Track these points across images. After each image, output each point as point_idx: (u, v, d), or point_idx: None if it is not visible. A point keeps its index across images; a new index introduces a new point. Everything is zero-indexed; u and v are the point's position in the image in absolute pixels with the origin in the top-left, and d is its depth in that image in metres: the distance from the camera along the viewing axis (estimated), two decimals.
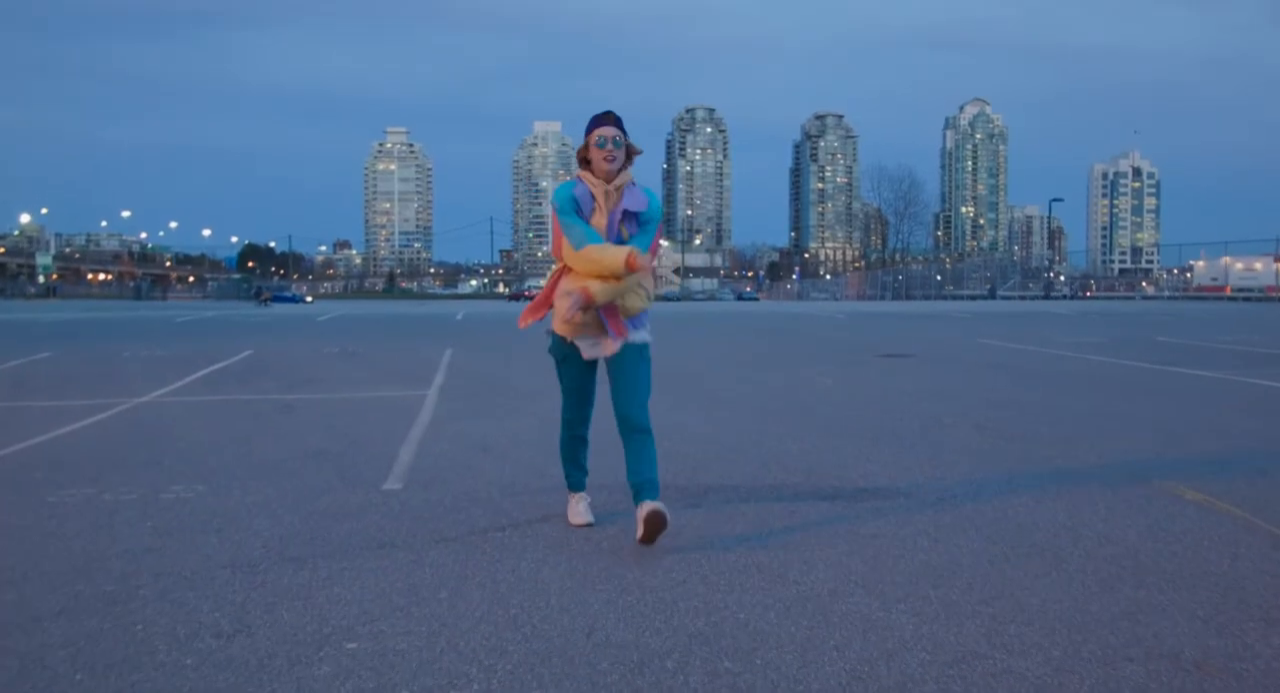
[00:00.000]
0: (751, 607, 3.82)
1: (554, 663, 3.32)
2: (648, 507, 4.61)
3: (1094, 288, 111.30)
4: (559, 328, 4.85)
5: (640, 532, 4.62)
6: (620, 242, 4.81)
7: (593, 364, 4.92)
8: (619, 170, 4.76)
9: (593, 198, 4.77)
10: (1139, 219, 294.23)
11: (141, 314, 39.53)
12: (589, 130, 4.78)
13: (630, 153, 4.80)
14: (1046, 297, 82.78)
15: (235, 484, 6.15)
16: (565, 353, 4.91)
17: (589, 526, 5.01)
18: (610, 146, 4.72)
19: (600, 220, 4.77)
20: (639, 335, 4.84)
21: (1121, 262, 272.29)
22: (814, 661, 3.31)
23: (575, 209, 4.77)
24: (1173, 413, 9.07)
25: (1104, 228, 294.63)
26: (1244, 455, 6.88)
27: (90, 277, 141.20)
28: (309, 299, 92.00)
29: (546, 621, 3.70)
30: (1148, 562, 4.36)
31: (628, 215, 4.81)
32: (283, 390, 11.28)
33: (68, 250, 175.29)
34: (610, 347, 4.78)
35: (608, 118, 4.77)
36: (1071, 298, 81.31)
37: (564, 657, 3.37)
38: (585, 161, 4.81)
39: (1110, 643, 3.43)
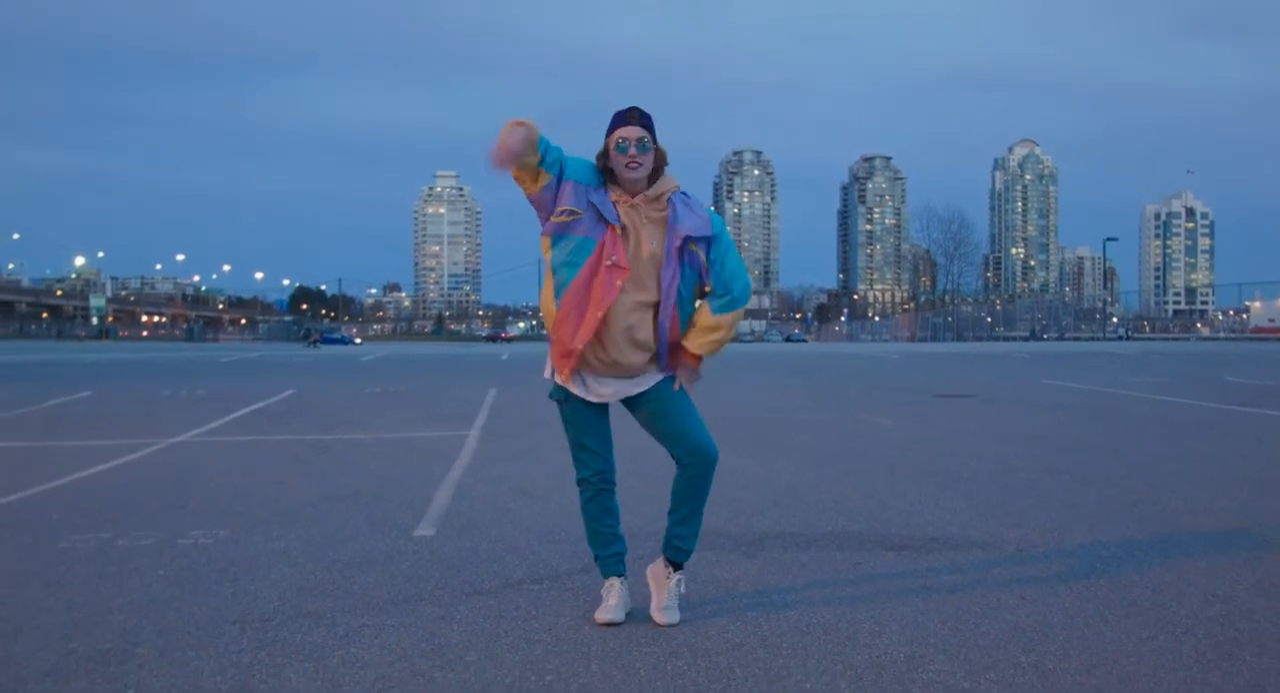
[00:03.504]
0: (819, 675, 3.36)
1: None
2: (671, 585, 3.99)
3: (1147, 328, 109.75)
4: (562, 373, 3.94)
5: (656, 599, 3.98)
6: (690, 288, 3.89)
7: (604, 405, 4.04)
8: (646, 181, 3.84)
9: (614, 207, 3.82)
10: (1193, 260, 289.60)
11: (189, 355, 39.56)
12: (609, 131, 3.83)
13: (660, 160, 3.86)
14: (1126, 338, 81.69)
15: (258, 529, 5.76)
16: (569, 393, 3.99)
17: (615, 625, 3.92)
18: (634, 150, 3.77)
19: (620, 246, 3.78)
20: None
21: (1175, 303, 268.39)
22: None
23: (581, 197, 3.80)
24: (1261, 458, 8.47)
25: (1157, 269, 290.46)
26: None
27: (145, 318, 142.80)
28: (358, 341, 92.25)
29: (586, 690, 3.26)
30: (1266, 626, 3.84)
31: (692, 242, 3.84)
32: (320, 431, 10.94)
33: (123, 293, 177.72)
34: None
35: (630, 115, 3.81)
36: (1124, 339, 79.96)
37: None
38: (607, 170, 3.88)
39: None
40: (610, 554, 4.05)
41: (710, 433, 4.03)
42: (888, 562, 4.89)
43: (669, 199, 3.88)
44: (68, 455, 8.94)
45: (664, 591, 3.97)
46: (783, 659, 3.50)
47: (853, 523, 5.80)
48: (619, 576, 4.03)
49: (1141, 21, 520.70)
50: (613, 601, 3.97)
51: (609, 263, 3.77)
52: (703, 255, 3.88)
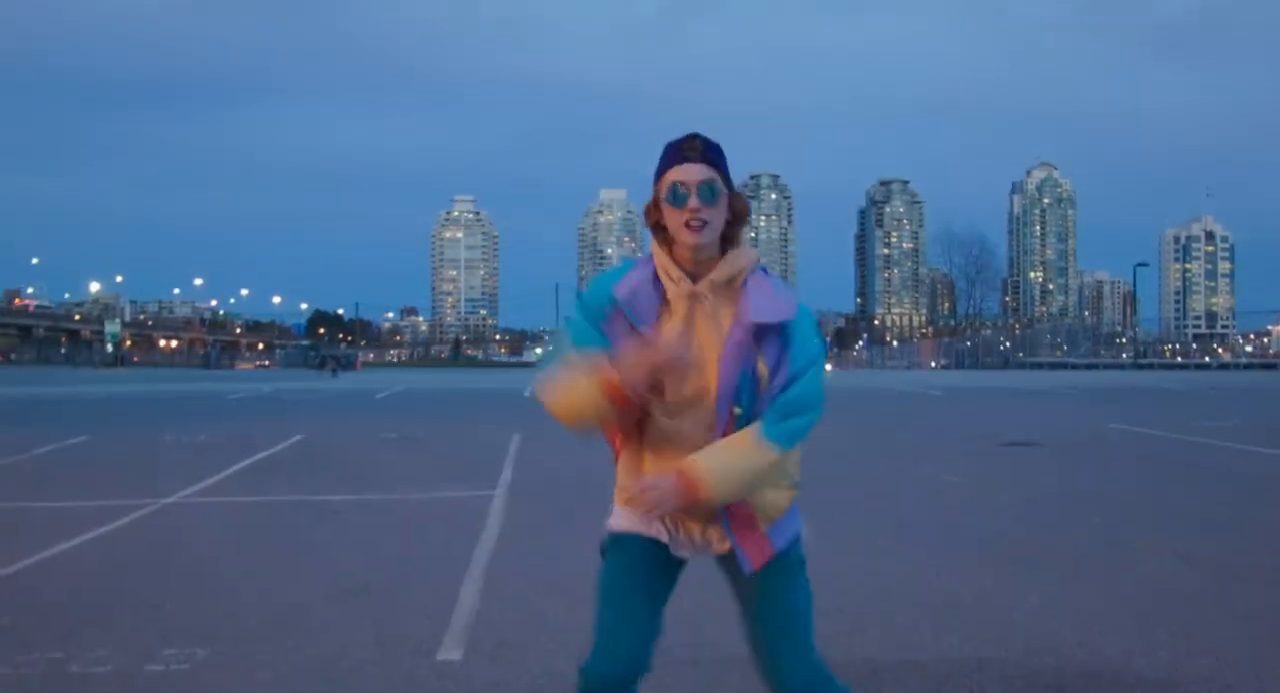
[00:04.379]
0: None
1: None
2: None
3: (1167, 354, 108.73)
4: (631, 508, 2.61)
5: None
6: (751, 391, 2.54)
7: (676, 565, 2.71)
8: (718, 245, 2.54)
9: (659, 291, 2.55)
10: (1213, 284, 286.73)
11: (200, 386, 38.52)
12: (660, 172, 2.54)
13: (738, 212, 2.56)
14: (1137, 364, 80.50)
15: (243, 644, 4.69)
16: (618, 537, 2.68)
17: None
18: (695, 202, 2.46)
19: (674, 331, 2.51)
20: (787, 536, 2.66)
21: (1196, 327, 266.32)
22: None
23: (603, 320, 2.54)
24: None
25: (1177, 293, 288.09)
26: None
27: (162, 343, 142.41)
28: (359, 366, 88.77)
29: None
30: None
31: (760, 332, 2.51)
32: (328, 489, 9.82)
33: (140, 317, 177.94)
34: (723, 546, 2.62)
35: (692, 147, 2.51)
36: (1138, 365, 78.63)
37: None
38: (660, 227, 2.57)
39: None
40: None
41: (823, 659, 2.70)
42: None
43: (742, 284, 2.56)
44: (42, 523, 7.88)
45: None
46: None
47: (981, 646, 4.66)
48: None
49: (1157, 44, 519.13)
50: None
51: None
52: (760, 350, 2.54)
